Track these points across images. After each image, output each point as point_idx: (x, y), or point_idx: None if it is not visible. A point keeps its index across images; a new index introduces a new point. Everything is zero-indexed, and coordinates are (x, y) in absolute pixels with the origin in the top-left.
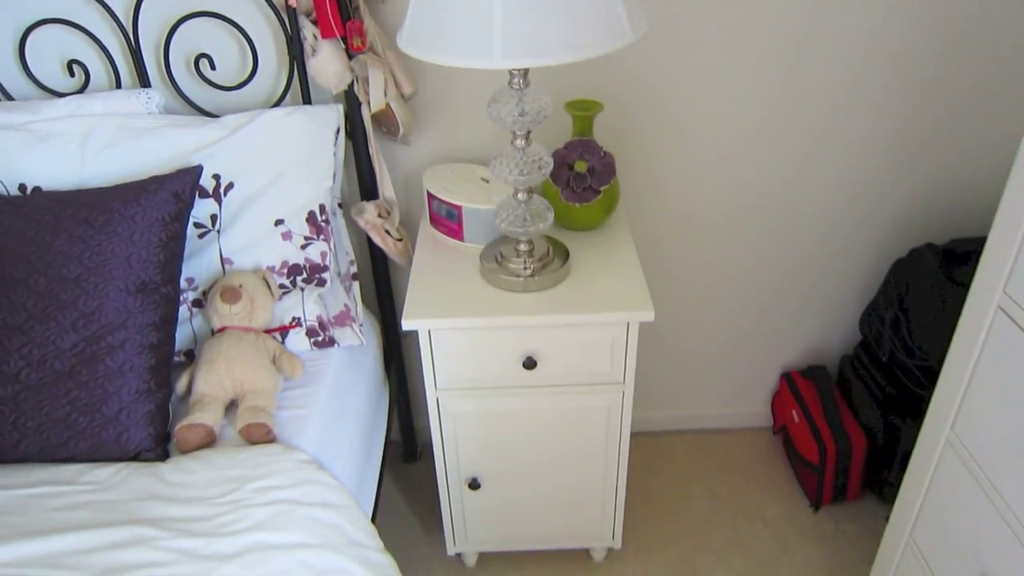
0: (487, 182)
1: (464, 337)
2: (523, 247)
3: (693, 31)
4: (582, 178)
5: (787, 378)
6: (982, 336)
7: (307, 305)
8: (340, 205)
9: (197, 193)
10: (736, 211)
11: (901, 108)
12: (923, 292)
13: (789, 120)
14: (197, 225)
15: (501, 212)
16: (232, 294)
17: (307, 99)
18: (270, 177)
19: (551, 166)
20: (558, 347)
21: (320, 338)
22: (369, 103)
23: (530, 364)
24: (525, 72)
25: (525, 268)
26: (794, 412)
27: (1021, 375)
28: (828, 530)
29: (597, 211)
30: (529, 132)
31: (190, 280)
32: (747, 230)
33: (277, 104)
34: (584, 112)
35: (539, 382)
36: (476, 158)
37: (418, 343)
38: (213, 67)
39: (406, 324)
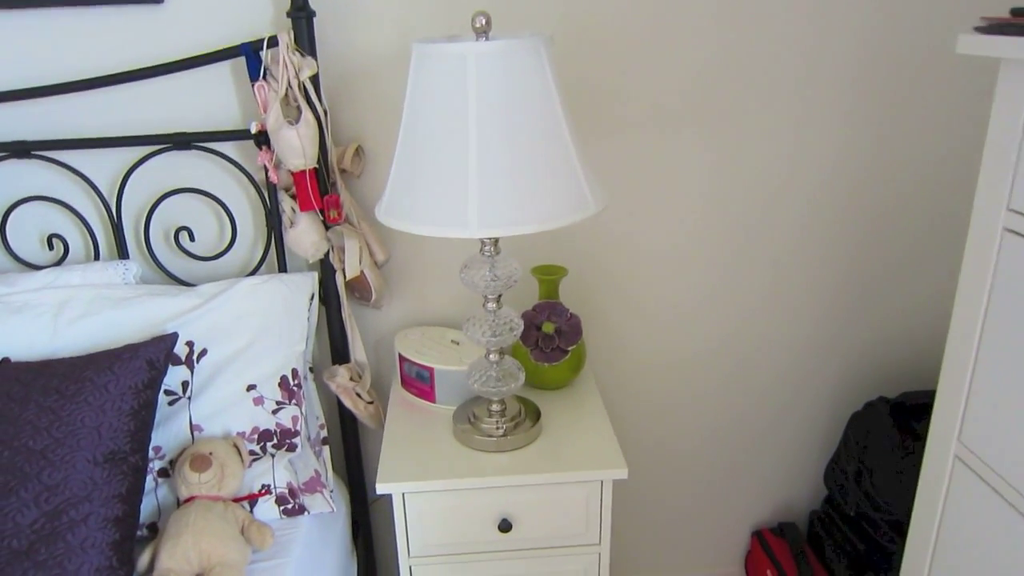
0: (457, 344)
1: (438, 500)
2: (495, 407)
3: (650, 204)
4: (550, 339)
5: (759, 536)
6: (944, 489)
7: (277, 471)
8: (311, 369)
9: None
10: (698, 370)
11: (843, 266)
12: (880, 445)
13: (741, 285)
14: (167, 392)
15: (474, 373)
16: (202, 462)
17: (283, 267)
18: (244, 343)
19: (521, 328)
20: (533, 507)
21: (290, 506)
22: (344, 271)
23: (505, 527)
24: (496, 240)
25: (498, 428)
26: (768, 572)
27: (984, 521)
28: None
29: (565, 370)
30: (500, 296)
31: (157, 449)
32: (709, 388)
33: (253, 272)
34: (550, 276)
35: (515, 545)
36: (445, 321)
37: (386, 510)
38: (192, 238)
39: (380, 488)
